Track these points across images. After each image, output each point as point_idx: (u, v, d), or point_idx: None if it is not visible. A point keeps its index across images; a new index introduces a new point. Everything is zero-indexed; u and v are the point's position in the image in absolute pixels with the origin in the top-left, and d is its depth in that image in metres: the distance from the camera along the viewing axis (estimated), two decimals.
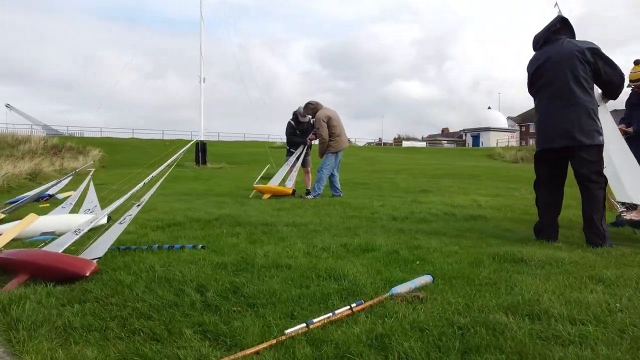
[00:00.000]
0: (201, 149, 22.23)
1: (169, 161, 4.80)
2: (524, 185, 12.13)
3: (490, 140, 63.51)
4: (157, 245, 4.21)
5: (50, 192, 11.08)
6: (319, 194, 9.26)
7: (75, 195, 6.39)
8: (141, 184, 4.20)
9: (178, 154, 4.87)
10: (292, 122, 10.03)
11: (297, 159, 9.84)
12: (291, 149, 10.15)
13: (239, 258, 3.58)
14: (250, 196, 9.62)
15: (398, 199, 8.76)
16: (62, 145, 26.60)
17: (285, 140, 10.61)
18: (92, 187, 6.40)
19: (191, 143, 4.78)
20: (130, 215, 4.06)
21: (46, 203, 9.34)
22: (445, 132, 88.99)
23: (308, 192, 9.67)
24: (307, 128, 10.07)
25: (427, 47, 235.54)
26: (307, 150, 10.05)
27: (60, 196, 10.19)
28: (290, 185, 9.39)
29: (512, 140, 65.14)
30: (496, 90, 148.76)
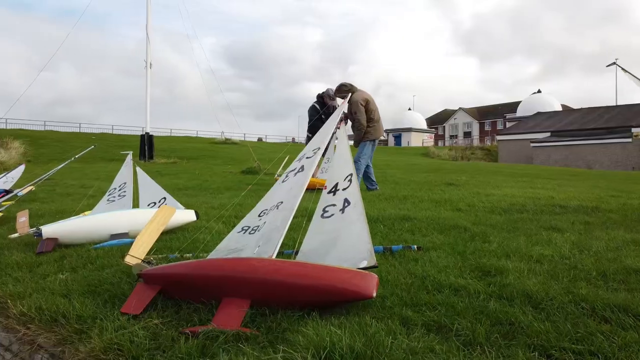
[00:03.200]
0: (147, 143, 19.94)
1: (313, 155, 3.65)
2: (527, 178, 11.93)
3: (412, 141, 65.33)
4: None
5: (5, 187, 9.00)
6: None
7: (118, 183, 4.80)
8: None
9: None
10: (317, 106, 8.87)
11: (327, 146, 8.67)
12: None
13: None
14: None
15: (455, 193, 7.97)
16: None
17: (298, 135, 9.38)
18: (144, 175, 4.88)
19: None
20: (335, 205, 2.84)
21: (7, 201, 7.48)
22: None
23: None
24: (332, 113, 8.97)
25: (331, 51, 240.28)
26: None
27: (20, 192, 8.32)
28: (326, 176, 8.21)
29: (430, 140, 67.61)
30: (396, 94, 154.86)
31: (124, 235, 3.91)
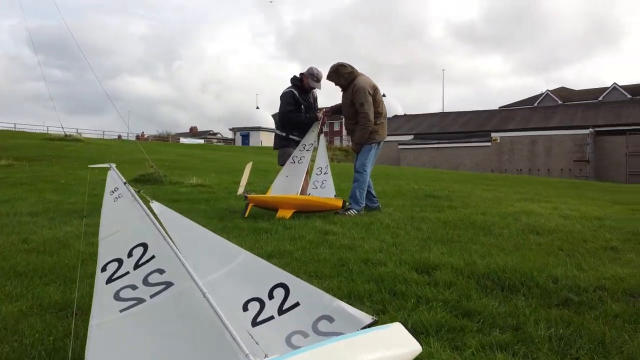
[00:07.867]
0: None
1: None
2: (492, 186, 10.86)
3: (263, 140, 63.65)
4: None
5: None
6: (362, 206, 5.94)
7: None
8: None
9: None
10: (295, 92, 6.26)
11: (314, 148, 6.18)
12: (292, 135, 6.33)
13: None
14: (246, 214, 5.61)
15: (479, 209, 6.22)
16: None
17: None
18: None
19: None
20: None
21: None
22: (194, 131, 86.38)
23: None
24: (312, 103, 6.48)
25: (157, 45, 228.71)
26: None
27: None
28: (330, 194, 5.73)
29: None
30: (225, 93, 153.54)
31: None
